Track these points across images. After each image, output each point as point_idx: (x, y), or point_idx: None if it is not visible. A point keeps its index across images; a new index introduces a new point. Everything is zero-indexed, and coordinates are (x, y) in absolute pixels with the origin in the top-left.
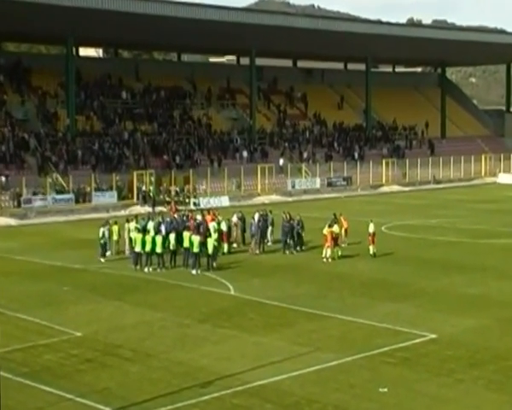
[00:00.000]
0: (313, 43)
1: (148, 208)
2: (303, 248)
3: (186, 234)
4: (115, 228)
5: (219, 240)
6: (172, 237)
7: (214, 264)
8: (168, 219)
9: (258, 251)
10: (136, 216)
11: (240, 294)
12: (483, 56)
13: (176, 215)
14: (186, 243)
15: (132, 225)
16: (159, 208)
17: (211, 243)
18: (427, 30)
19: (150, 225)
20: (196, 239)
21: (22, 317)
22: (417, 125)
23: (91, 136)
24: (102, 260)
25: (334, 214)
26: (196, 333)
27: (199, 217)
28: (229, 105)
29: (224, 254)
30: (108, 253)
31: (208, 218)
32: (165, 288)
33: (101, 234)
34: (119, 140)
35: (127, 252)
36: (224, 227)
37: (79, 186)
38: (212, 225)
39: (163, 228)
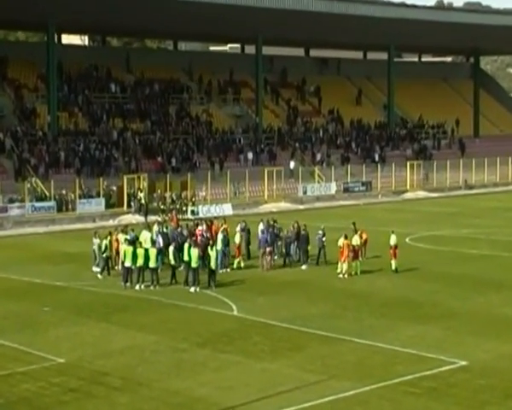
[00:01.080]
0: (328, 30)
1: (139, 217)
2: (308, 261)
3: (186, 246)
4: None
5: (227, 253)
6: (171, 250)
7: (212, 282)
8: (166, 230)
9: (269, 266)
10: (125, 226)
11: (244, 314)
12: None
13: (175, 226)
14: (186, 257)
15: (121, 236)
16: (153, 218)
17: (213, 256)
18: (458, 13)
19: (144, 236)
20: (195, 252)
21: None
22: (447, 123)
23: (76, 135)
24: (102, 275)
25: (354, 224)
26: (194, 359)
27: (204, 227)
28: (233, 100)
29: (239, 268)
30: (98, 269)
31: (215, 228)
32: (158, 308)
33: (103, 247)
34: (108, 140)
35: (117, 267)
36: (237, 239)
37: (62, 193)
38: (220, 237)
39: (160, 240)
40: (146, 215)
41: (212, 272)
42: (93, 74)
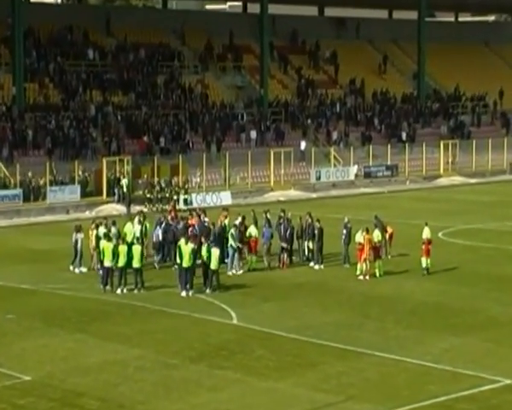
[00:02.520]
0: None
1: (121, 208)
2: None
3: (183, 242)
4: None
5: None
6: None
7: (210, 284)
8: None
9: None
10: (105, 219)
11: (245, 323)
12: None
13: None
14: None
15: (101, 230)
16: (136, 208)
17: (215, 253)
18: None
19: (129, 230)
20: (188, 249)
21: None
22: (488, 95)
23: (46, 110)
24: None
25: (376, 216)
26: (186, 376)
27: (206, 219)
28: (233, 68)
29: (251, 270)
30: (83, 269)
31: (222, 218)
32: (144, 316)
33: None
34: (84, 116)
35: (96, 267)
36: (253, 232)
37: (29, 178)
38: (232, 231)
39: (159, 232)
40: (129, 205)
41: (213, 274)
42: (67, 38)
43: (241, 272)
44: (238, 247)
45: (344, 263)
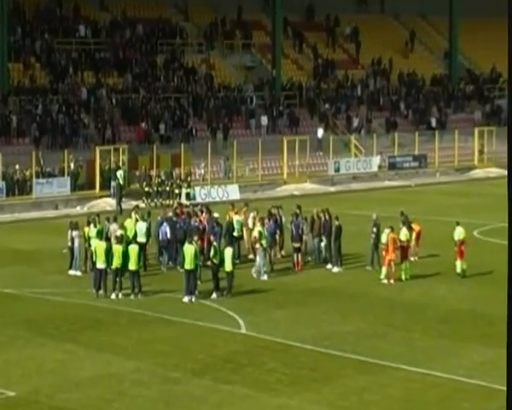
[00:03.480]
0: None
1: (113, 202)
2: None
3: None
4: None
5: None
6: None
7: (216, 288)
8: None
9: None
10: (97, 215)
11: (255, 333)
12: None
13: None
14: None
15: (93, 229)
16: (133, 203)
17: (229, 253)
18: None
19: (131, 226)
20: (190, 249)
21: None
22: None
23: (32, 93)
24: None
25: (402, 213)
26: (189, 391)
27: (216, 214)
28: (242, 47)
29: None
30: (77, 272)
31: (232, 214)
32: (141, 324)
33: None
34: (75, 100)
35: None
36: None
37: (14, 170)
38: (259, 229)
39: (167, 230)
40: (120, 199)
41: (227, 276)
42: (55, 12)
43: (265, 277)
44: (264, 248)
45: (371, 265)
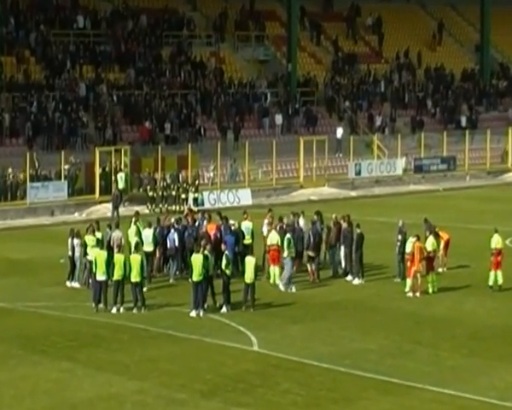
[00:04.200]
0: None
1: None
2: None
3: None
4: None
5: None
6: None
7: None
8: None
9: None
10: (97, 222)
11: (268, 350)
12: None
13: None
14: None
15: (91, 237)
16: (135, 208)
17: (251, 264)
18: None
19: (134, 234)
20: (198, 258)
21: None
22: None
23: (26, 90)
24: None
25: (426, 220)
26: None
27: (232, 221)
28: (254, 39)
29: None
30: (75, 283)
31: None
32: (145, 341)
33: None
34: (73, 97)
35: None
36: (274, 238)
37: (6, 173)
38: (288, 237)
39: (175, 237)
40: (117, 207)
41: (248, 288)
42: (52, 1)
43: (294, 289)
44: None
45: (398, 277)
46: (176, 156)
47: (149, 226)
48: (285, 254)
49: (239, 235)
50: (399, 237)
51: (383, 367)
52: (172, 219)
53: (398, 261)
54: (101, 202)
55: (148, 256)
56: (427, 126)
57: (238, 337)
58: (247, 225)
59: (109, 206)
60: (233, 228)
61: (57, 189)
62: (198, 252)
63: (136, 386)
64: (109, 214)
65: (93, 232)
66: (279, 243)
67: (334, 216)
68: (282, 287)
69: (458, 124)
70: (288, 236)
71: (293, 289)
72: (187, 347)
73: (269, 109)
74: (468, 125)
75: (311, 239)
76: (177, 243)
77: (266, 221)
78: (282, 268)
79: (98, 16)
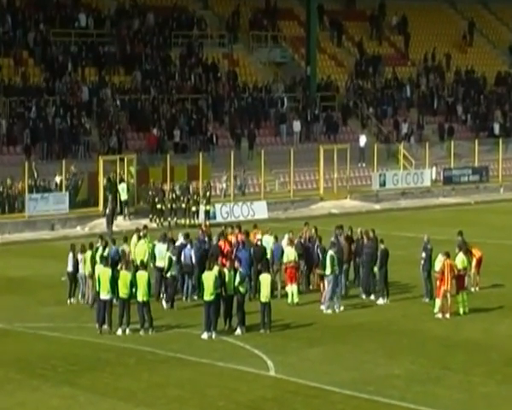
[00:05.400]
0: None
1: (123, 222)
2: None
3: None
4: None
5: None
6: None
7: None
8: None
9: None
10: (100, 237)
11: (286, 375)
12: None
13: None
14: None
15: (89, 252)
16: (142, 222)
17: (266, 281)
18: None
19: (144, 249)
20: (210, 277)
21: None
22: None
23: (25, 94)
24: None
25: (460, 233)
26: None
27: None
28: (270, 40)
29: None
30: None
31: (253, 236)
32: (153, 365)
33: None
34: (74, 102)
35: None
36: (291, 254)
37: (3, 183)
38: (331, 253)
39: (191, 253)
40: (112, 221)
41: (265, 308)
42: None
43: (342, 308)
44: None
45: (426, 297)
46: (186, 166)
47: (164, 241)
48: (327, 271)
49: (258, 251)
50: (424, 254)
51: (410, 394)
52: (180, 235)
53: (424, 279)
54: (104, 215)
55: (162, 272)
56: (457, 134)
57: (253, 361)
58: (267, 240)
59: (104, 221)
60: (259, 243)
61: (58, 201)
62: (210, 269)
63: None
64: (114, 228)
65: (91, 247)
66: (296, 260)
67: (358, 230)
68: (328, 310)
69: (491, 131)
70: (331, 252)
71: (341, 308)
72: (198, 372)
73: (286, 115)
74: (501, 132)
75: (320, 256)
76: (193, 260)
77: (287, 236)
78: (298, 286)
79: (102, 14)
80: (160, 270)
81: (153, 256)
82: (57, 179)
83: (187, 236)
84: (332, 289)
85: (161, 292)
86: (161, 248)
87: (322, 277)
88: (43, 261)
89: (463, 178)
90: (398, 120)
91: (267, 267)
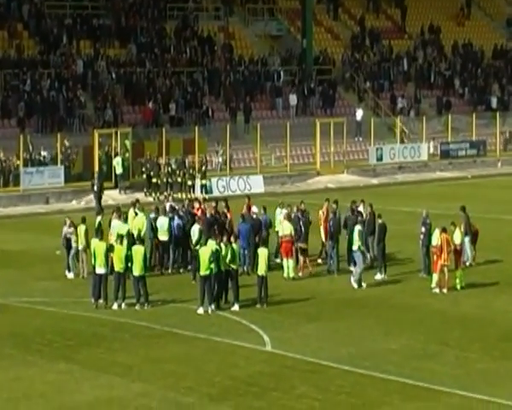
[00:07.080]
0: None
1: (119, 196)
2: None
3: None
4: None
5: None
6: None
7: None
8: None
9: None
10: (118, 209)
11: (282, 350)
12: None
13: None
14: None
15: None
16: (136, 195)
17: (264, 255)
18: None
19: (143, 222)
20: (207, 250)
21: None
22: None
23: (19, 66)
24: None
25: (463, 208)
26: None
27: (255, 209)
28: (266, 12)
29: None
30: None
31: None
32: (149, 340)
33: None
34: (69, 75)
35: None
36: (287, 228)
37: None
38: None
39: (181, 223)
40: (100, 196)
41: (262, 282)
42: None
43: (365, 285)
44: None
45: (423, 272)
46: (181, 140)
47: (164, 214)
48: (355, 247)
49: (259, 223)
50: (423, 228)
51: (407, 370)
52: (167, 204)
53: (423, 255)
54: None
55: (164, 245)
56: (454, 108)
57: (250, 337)
58: (254, 211)
59: (111, 192)
60: (254, 216)
61: (53, 174)
62: (205, 244)
63: (139, 389)
64: (111, 202)
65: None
66: (292, 234)
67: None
68: (354, 284)
69: (488, 105)
70: (359, 227)
71: (364, 286)
72: (194, 347)
73: (282, 89)
74: (499, 106)
75: (302, 229)
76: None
77: (285, 211)
78: (295, 260)
79: None
80: (163, 243)
81: (154, 229)
82: (44, 153)
83: (173, 208)
84: (361, 265)
85: (164, 263)
86: (163, 222)
87: (303, 250)
88: (37, 235)
89: (461, 152)
90: (395, 94)
91: (265, 241)
